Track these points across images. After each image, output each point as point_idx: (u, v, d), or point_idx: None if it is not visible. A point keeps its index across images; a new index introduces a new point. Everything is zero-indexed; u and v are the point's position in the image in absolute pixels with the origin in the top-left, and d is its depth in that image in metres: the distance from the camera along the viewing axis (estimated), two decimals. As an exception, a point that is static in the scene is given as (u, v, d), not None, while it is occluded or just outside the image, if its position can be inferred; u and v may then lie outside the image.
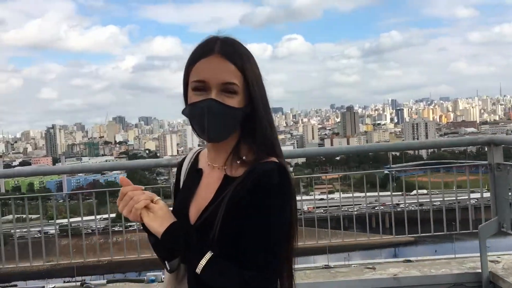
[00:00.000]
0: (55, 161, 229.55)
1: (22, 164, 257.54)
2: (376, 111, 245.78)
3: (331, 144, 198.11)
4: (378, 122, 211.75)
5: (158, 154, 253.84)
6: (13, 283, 70.64)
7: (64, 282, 71.64)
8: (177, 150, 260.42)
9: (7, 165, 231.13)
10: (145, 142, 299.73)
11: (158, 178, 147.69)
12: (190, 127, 1.73)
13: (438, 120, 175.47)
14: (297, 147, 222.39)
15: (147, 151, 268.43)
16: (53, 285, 67.22)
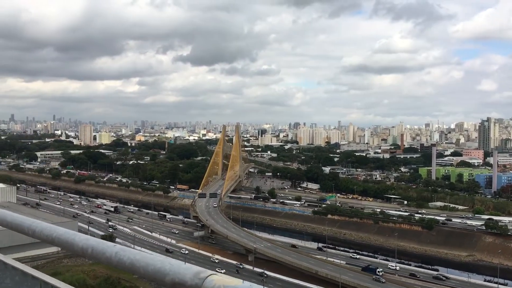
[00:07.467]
0: (487, 154, 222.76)
1: (453, 154, 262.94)
2: None
3: None
4: None
5: None
6: (435, 267, 73.71)
7: (485, 280, 69.19)
8: None
9: (440, 154, 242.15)
10: None
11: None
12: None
13: None
14: None
15: None
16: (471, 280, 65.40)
